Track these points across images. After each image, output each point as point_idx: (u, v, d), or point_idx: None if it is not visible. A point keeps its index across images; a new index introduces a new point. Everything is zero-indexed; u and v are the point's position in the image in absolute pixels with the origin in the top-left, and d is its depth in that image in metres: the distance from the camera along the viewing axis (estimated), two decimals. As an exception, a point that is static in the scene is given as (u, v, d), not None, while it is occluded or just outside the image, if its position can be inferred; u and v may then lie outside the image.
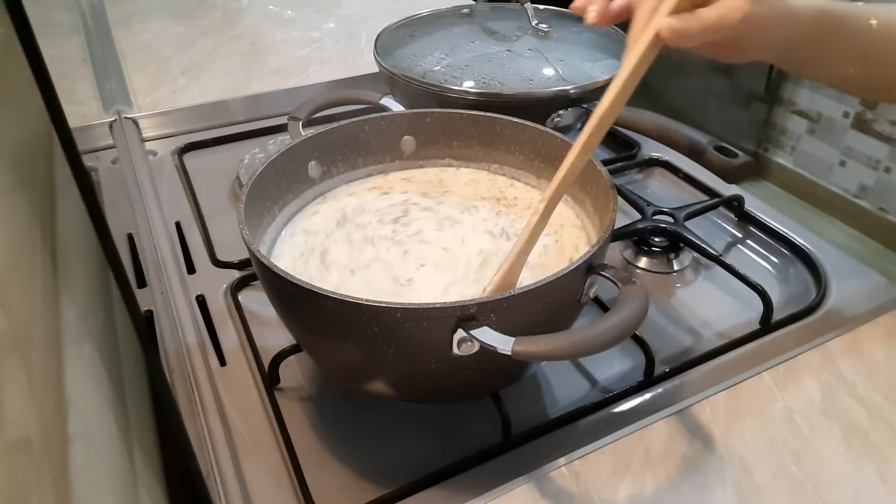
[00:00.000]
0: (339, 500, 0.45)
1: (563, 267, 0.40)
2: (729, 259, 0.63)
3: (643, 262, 0.66)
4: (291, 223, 0.55)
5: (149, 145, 0.85)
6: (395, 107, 0.69)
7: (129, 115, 0.87)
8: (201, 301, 0.61)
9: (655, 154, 0.80)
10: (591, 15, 0.45)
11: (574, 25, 0.79)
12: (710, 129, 0.59)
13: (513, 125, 0.58)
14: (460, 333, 0.38)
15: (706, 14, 0.41)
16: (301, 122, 0.65)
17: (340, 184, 0.59)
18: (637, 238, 0.66)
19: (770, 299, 0.57)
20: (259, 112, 0.90)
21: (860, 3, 0.48)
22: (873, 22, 0.47)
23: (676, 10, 0.41)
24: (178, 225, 0.71)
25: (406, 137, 0.60)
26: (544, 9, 0.83)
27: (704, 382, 0.52)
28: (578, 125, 0.74)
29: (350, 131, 0.58)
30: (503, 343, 0.37)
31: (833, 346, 0.54)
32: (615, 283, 0.41)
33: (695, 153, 0.58)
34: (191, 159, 0.82)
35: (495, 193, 0.58)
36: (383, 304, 0.38)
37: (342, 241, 0.52)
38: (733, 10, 0.41)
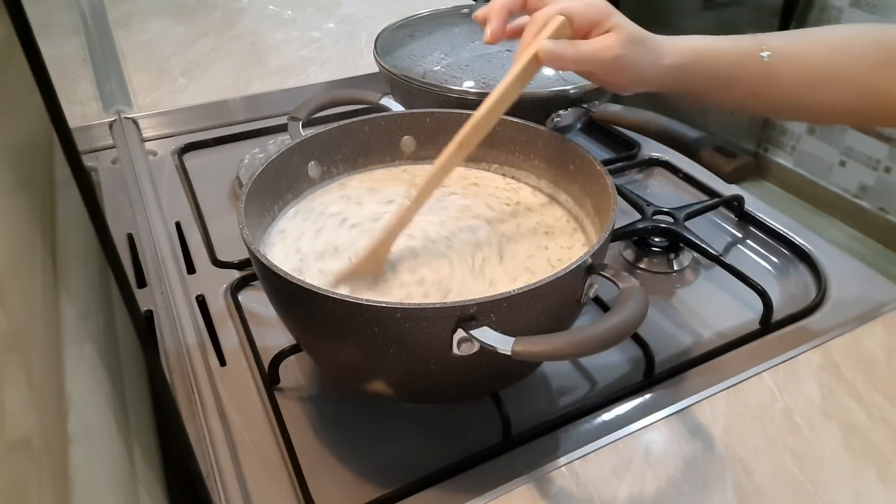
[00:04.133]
0: (339, 500, 0.45)
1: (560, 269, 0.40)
2: (729, 259, 0.63)
3: (643, 262, 0.66)
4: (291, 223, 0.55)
5: (149, 145, 0.85)
6: (395, 107, 0.69)
7: (129, 115, 0.87)
8: (201, 301, 0.61)
9: (655, 154, 0.80)
10: (487, 34, 0.50)
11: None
12: (710, 129, 0.60)
13: (513, 125, 0.58)
14: (460, 333, 0.38)
15: (582, 46, 0.47)
16: (301, 122, 0.65)
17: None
18: (637, 238, 0.66)
19: (770, 299, 0.57)
20: (259, 112, 0.90)
21: (755, 36, 0.50)
22: (764, 55, 0.49)
23: (558, 37, 0.47)
24: (178, 225, 0.71)
25: (406, 137, 0.60)
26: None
27: (704, 382, 0.52)
28: (578, 125, 0.74)
29: (350, 131, 0.58)
30: (503, 343, 0.37)
31: (833, 346, 0.54)
32: (615, 283, 0.41)
33: (695, 153, 0.58)
34: (191, 159, 0.82)
35: (494, 193, 0.58)
36: (383, 304, 0.38)
37: (332, 231, 0.52)
38: (606, 49, 0.46)
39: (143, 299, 0.61)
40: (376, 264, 0.48)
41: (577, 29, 0.47)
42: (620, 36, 0.46)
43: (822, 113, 0.54)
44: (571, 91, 0.69)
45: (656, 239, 0.66)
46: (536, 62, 0.47)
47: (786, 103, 0.52)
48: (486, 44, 0.51)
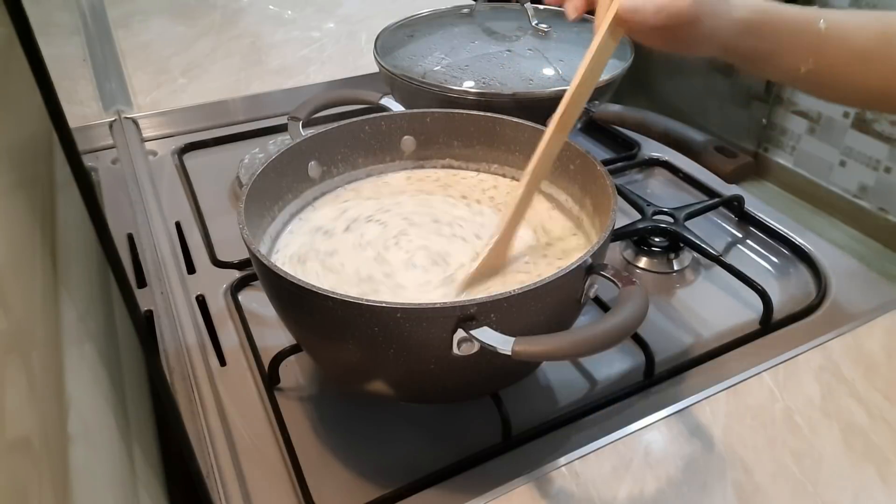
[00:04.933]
0: (339, 500, 0.45)
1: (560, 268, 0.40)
2: (729, 259, 0.63)
3: (643, 262, 0.66)
4: (291, 223, 0.55)
5: (149, 145, 0.85)
6: (395, 107, 0.69)
7: (129, 115, 0.87)
8: (201, 301, 0.61)
9: (655, 154, 0.80)
10: (569, 10, 0.50)
11: (574, 25, 0.79)
12: (710, 129, 0.60)
13: (513, 125, 0.58)
14: (460, 333, 0.38)
15: None
16: (301, 122, 0.65)
17: (341, 184, 0.59)
18: (637, 238, 0.66)
19: (770, 299, 0.57)
20: (259, 112, 0.90)
21: (815, 8, 0.50)
22: (822, 24, 0.48)
23: None
24: (178, 225, 0.71)
25: (406, 137, 0.60)
26: (544, 9, 0.83)
27: (704, 382, 0.51)
28: (578, 125, 0.74)
29: (350, 131, 0.58)
30: (503, 343, 0.37)
31: (833, 346, 0.54)
32: (615, 283, 0.41)
33: (695, 153, 0.58)
34: (191, 159, 0.82)
35: (494, 193, 0.58)
36: (383, 304, 0.38)
37: (339, 235, 0.52)
38: None
39: (143, 299, 0.61)
40: (501, 259, 0.49)
41: None
42: None
43: (862, 95, 0.53)
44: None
45: (656, 239, 0.66)
46: (619, 24, 0.45)
47: (832, 80, 0.51)
48: (570, 20, 0.50)
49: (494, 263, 0.49)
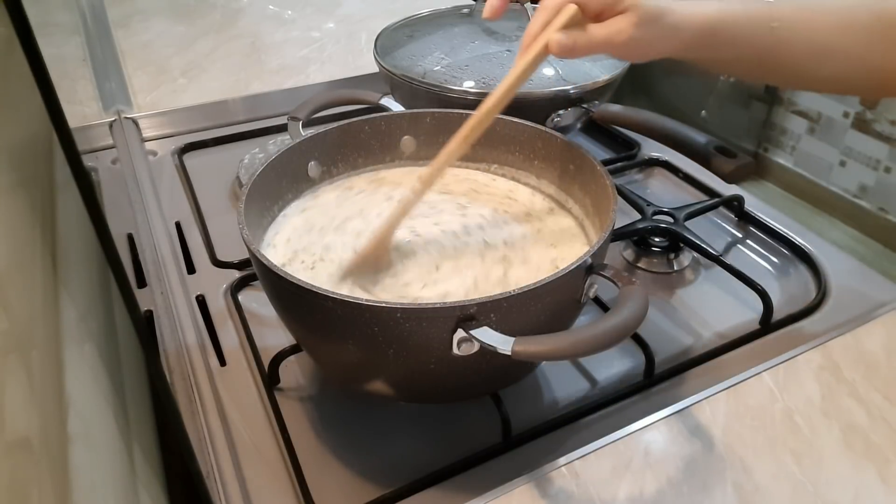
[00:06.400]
0: (339, 500, 0.45)
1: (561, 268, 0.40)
2: (729, 259, 0.63)
3: (643, 262, 0.66)
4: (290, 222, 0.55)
5: (149, 145, 0.85)
6: (395, 107, 0.69)
7: (129, 115, 0.87)
8: (201, 301, 0.61)
9: (655, 154, 0.80)
10: (486, 9, 0.50)
11: (574, 25, 0.79)
12: (710, 129, 0.60)
13: (513, 125, 0.58)
14: (460, 333, 0.38)
15: (594, 33, 0.46)
16: (301, 122, 0.65)
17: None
18: (637, 238, 0.66)
19: (770, 299, 0.57)
20: (259, 112, 0.90)
21: (766, 3, 0.49)
22: (774, 24, 0.48)
23: (569, 26, 0.45)
24: (178, 225, 0.71)
25: (406, 137, 0.60)
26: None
27: (704, 382, 0.52)
28: (578, 125, 0.74)
29: (350, 131, 0.58)
30: (503, 343, 0.37)
31: (833, 346, 0.54)
32: (615, 283, 0.41)
33: (695, 153, 0.58)
34: (191, 159, 0.82)
35: (494, 193, 0.58)
36: (383, 304, 0.38)
37: (333, 233, 0.52)
38: (619, 33, 0.45)
39: (143, 299, 0.61)
40: (381, 253, 0.49)
41: (588, 13, 0.46)
42: (634, 17, 0.45)
43: (825, 85, 0.54)
44: (571, 91, 0.69)
45: (656, 239, 0.66)
46: (546, 52, 0.46)
47: (791, 75, 0.52)
48: (485, 19, 0.50)
49: (376, 257, 0.49)
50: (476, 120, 0.48)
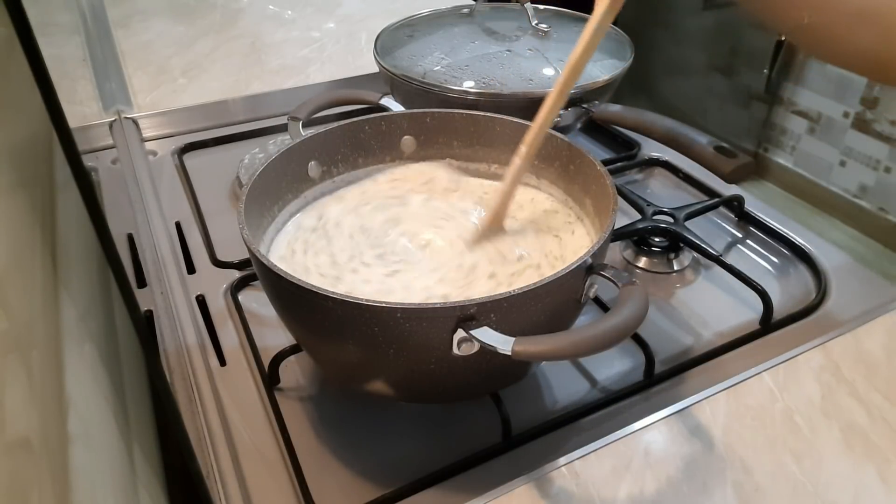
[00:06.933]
0: (339, 500, 0.45)
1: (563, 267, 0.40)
2: (729, 259, 0.63)
3: (643, 262, 0.66)
4: (291, 222, 0.55)
5: (149, 145, 0.85)
6: (395, 107, 0.69)
7: (129, 115, 0.87)
8: (201, 301, 0.61)
9: (655, 154, 0.80)
10: None
11: (574, 25, 0.79)
12: (710, 129, 0.60)
13: (513, 125, 0.58)
14: (460, 333, 0.38)
15: None
16: (301, 122, 0.65)
17: (341, 184, 0.59)
18: (637, 238, 0.66)
19: (770, 299, 0.57)
20: (259, 112, 0.90)
21: None
22: None
23: None
24: (178, 225, 0.71)
25: (406, 137, 0.60)
26: (544, 9, 0.83)
27: (704, 382, 0.52)
28: (578, 125, 0.74)
29: (350, 131, 0.58)
30: (503, 343, 0.37)
31: (833, 346, 0.54)
32: (615, 283, 0.41)
33: (695, 153, 0.58)
34: (191, 159, 0.82)
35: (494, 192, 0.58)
36: (383, 304, 0.38)
37: (335, 234, 0.52)
38: None
39: (143, 299, 0.61)
40: (500, 220, 0.52)
41: None
42: None
43: (855, 59, 0.53)
44: (571, 91, 0.69)
45: (656, 239, 0.66)
46: None
47: (828, 37, 0.51)
48: None
49: (496, 223, 0.52)
50: (568, 71, 0.50)
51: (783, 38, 0.74)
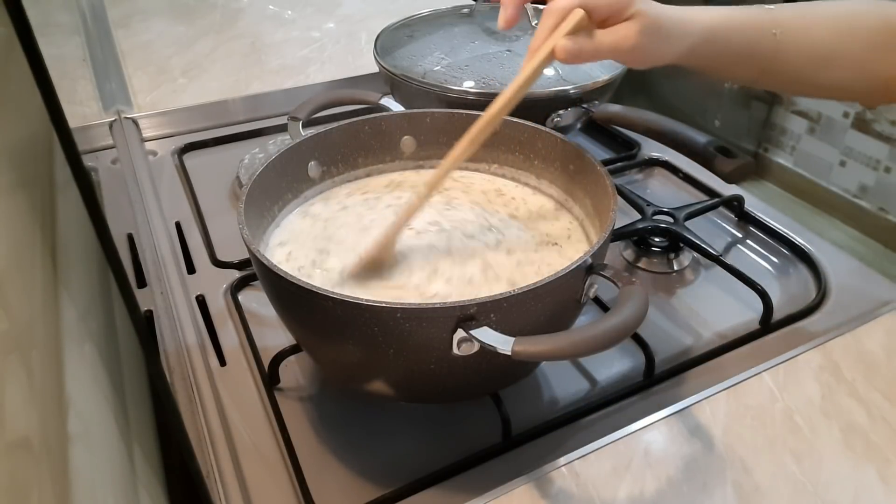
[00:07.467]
0: (339, 500, 0.45)
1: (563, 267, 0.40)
2: (729, 259, 0.63)
3: (643, 262, 0.66)
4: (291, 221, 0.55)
5: (149, 145, 0.85)
6: (395, 107, 0.69)
7: (129, 115, 0.87)
8: (201, 301, 0.61)
9: (655, 154, 0.80)
10: (501, 20, 0.50)
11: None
12: (710, 129, 0.60)
13: (513, 125, 0.58)
14: (460, 333, 0.38)
15: (600, 40, 0.46)
16: (301, 122, 0.65)
17: (341, 184, 0.59)
18: (637, 238, 0.66)
19: (770, 299, 0.57)
20: (259, 112, 0.90)
21: (768, 10, 0.50)
22: (776, 31, 0.49)
23: (576, 31, 0.46)
24: (178, 225, 0.71)
25: (406, 137, 0.60)
26: (544, 9, 0.83)
27: (704, 382, 0.52)
28: (578, 125, 0.74)
29: (350, 131, 0.58)
30: (503, 343, 0.37)
31: (833, 346, 0.54)
32: (615, 283, 0.41)
33: (695, 153, 0.58)
34: (191, 159, 0.82)
35: (494, 193, 0.58)
36: (383, 304, 0.38)
37: (335, 230, 0.52)
38: (625, 39, 0.45)
39: (143, 299, 0.61)
40: (385, 256, 0.49)
41: (595, 19, 0.46)
42: (639, 24, 0.45)
43: (826, 91, 0.54)
44: (571, 91, 0.69)
45: (656, 239, 0.66)
46: (552, 57, 0.46)
47: (792, 81, 0.53)
48: (500, 29, 0.51)
49: (381, 258, 0.49)
50: (483, 123, 0.48)
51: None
